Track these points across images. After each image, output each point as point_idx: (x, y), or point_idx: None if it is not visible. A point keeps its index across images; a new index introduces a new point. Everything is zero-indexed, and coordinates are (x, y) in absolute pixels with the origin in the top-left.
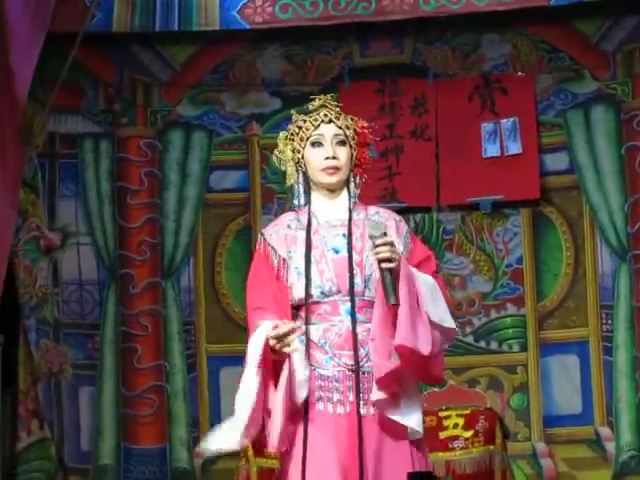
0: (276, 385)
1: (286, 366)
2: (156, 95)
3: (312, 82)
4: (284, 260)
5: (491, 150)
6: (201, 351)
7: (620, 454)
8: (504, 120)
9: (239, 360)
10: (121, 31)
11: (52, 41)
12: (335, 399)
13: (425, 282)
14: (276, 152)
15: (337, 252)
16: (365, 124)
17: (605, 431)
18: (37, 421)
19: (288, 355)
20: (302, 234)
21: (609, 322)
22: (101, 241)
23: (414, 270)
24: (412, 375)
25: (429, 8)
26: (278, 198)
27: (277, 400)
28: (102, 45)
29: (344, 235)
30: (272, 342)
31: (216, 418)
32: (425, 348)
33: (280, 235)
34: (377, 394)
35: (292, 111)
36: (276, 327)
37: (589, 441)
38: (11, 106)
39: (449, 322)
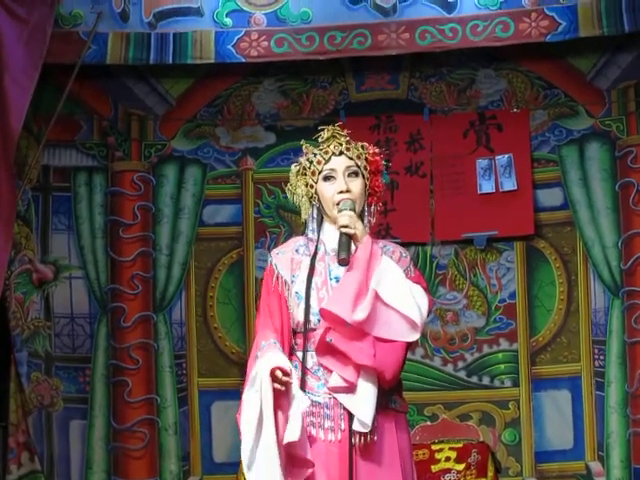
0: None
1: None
2: (151, 129)
3: (307, 117)
4: (285, 282)
5: (486, 187)
6: (192, 385)
7: None
8: (499, 156)
9: (231, 394)
10: (115, 63)
11: (47, 74)
12: (326, 426)
13: (392, 269)
14: (289, 187)
15: (338, 281)
16: (376, 150)
17: (596, 466)
18: (28, 453)
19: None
20: (307, 260)
21: (601, 358)
22: (93, 274)
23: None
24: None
25: (425, 43)
26: (271, 232)
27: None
28: (97, 78)
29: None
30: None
31: (207, 452)
32: (347, 316)
33: (287, 258)
34: (334, 379)
35: (302, 142)
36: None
37: (580, 476)
38: (5, 139)
39: (408, 311)
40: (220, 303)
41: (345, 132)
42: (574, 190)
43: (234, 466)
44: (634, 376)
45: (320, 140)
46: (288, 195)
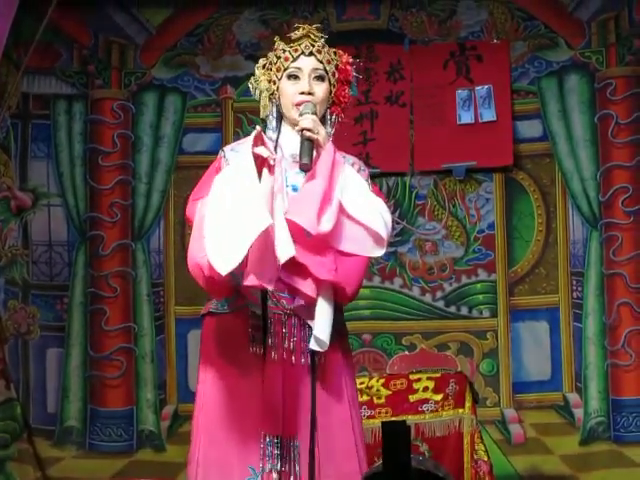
0: None
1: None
2: (131, 57)
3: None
4: None
5: (465, 117)
6: (170, 313)
7: (588, 420)
8: (479, 87)
9: None
10: None
11: (27, 2)
12: (269, 343)
13: (356, 180)
14: (252, 80)
15: (295, 190)
16: (350, 60)
17: (574, 397)
18: (4, 381)
19: None
20: None
21: (579, 289)
22: (72, 202)
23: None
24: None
25: None
26: None
27: None
28: (77, 6)
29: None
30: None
31: (183, 380)
32: (312, 227)
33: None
34: (298, 299)
35: (276, 38)
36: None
37: (558, 407)
38: None
39: (374, 225)
40: None
41: (321, 35)
42: (553, 122)
43: None
44: (612, 308)
45: (293, 36)
46: (251, 89)
